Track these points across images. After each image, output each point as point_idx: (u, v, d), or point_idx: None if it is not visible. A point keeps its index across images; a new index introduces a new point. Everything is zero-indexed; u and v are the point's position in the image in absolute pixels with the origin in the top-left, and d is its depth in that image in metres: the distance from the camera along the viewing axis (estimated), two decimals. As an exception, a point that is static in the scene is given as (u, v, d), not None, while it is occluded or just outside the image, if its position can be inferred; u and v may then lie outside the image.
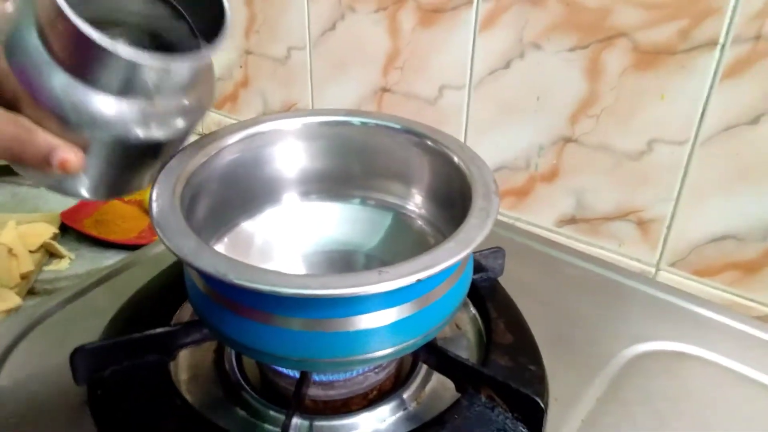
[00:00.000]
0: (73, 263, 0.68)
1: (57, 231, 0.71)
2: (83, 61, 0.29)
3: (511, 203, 0.65)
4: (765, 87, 0.47)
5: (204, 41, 0.35)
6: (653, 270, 0.57)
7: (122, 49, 0.29)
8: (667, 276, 0.56)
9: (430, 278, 0.30)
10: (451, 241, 0.30)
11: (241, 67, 0.84)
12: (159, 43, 0.37)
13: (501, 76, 0.61)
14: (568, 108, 0.58)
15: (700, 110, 0.51)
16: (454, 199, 0.36)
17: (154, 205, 0.32)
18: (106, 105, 0.30)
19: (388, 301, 0.31)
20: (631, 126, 0.55)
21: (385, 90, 0.70)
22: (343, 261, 0.41)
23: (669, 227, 0.56)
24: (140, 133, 0.31)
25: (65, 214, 0.72)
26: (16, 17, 0.30)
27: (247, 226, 0.40)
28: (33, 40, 0.29)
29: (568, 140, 0.59)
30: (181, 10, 0.36)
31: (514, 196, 0.65)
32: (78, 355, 0.34)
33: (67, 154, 0.29)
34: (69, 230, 0.72)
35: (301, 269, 0.40)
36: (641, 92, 0.53)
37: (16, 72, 0.30)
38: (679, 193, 0.54)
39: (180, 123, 0.33)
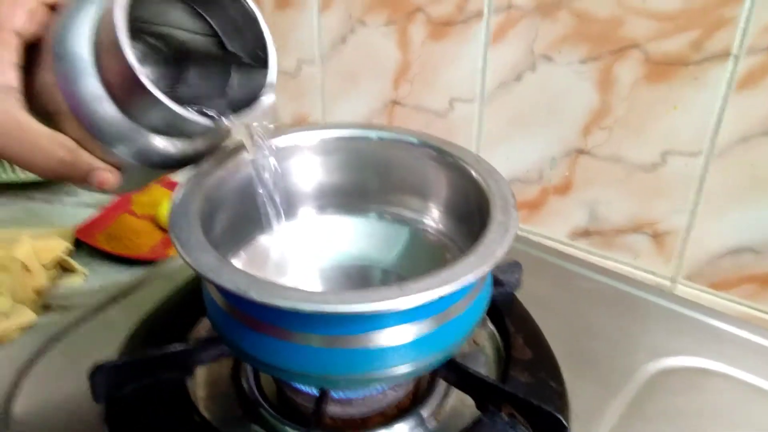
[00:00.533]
0: (87, 278, 0.68)
1: (71, 246, 0.71)
2: (135, 102, 0.30)
3: (524, 216, 0.65)
4: (780, 97, 0.47)
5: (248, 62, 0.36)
6: (669, 283, 0.57)
7: (177, 107, 0.30)
8: (683, 289, 0.56)
9: (450, 294, 0.30)
10: (472, 256, 0.30)
11: (251, 81, 0.85)
12: (190, 56, 0.37)
13: (512, 88, 0.61)
14: (581, 120, 0.58)
15: (714, 121, 0.51)
16: (471, 213, 0.36)
17: (174, 221, 0.32)
18: (148, 140, 0.32)
19: (408, 318, 0.31)
20: (644, 138, 0.55)
21: (395, 103, 0.71)
22: (359, 276, 0.40)
23: (684, 240, 0.56)
24: (175, 162, 0.34)
25: (81, 230, 0.72)
26: (71, 24, 0.30)
27: (264, 240, 0.40)
28: (87, 68, 0.30)
29: (580, 152, 0.59)
30: (221, 36, 0.36)
31: (526, 208, 0.64)
32: (97, 373, 0.34)
33: (106, 175, 0.31)
34: (82, 245, 0.72)
35: (317, 284, 0.40)
36: (654, 104, 0.53)
37: (65, 92, 0.30)
38: (695, 205, 0.54)
39: (211, 146, 0.35)
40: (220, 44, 0.37)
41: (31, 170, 0.31)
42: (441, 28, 0.63)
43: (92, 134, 0.31)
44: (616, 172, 0.57)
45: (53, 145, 0.30)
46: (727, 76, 0.49)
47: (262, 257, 0.39)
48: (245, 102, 0.34)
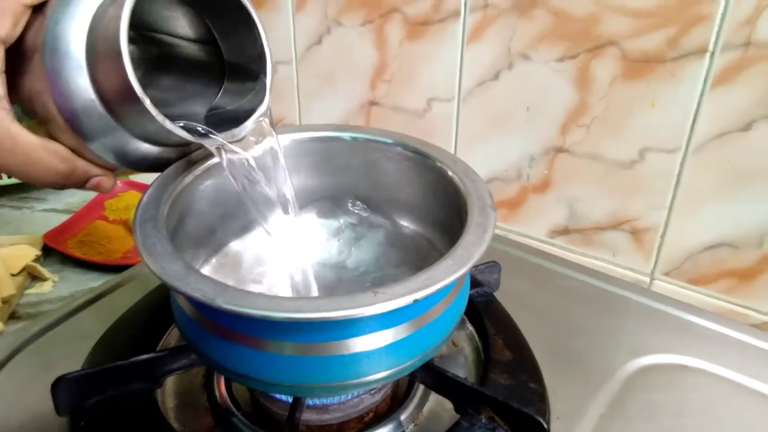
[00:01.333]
0: (57, 285, 0.66)
1: (39, 253, 0.69)
2: (126, 110, 0.30)
3: (504, 215, 0.64)
4: (756, 93, 0.47)
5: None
6: (648, 279, 0.57)
7: (169, 123, 0.30)
8: (661, 285, 0.56)
9: (427, 298, 0.29)
10: (449, 259, 0.29)
11: (226, 82, 0.83)
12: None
13: (490, 87, 0.60)
14: (559, 118, 0.57)
15: (692, 118, 0.51)
16: (448, 213, 0.35)
17: (138, 229, 0.31)
18: (132, 144, 0.32)
19: (383, 323, 0.30)
20: (622, 135, 0.55)
21: (373, 103, 0.70)
22: (334, 279, 0.40)
23: (663, 236, 0.56)
24: (152, 164, 0.34)
25: (48, 236, 0.70)
26: (63, 23, 0.29)
27: (236, 245, 0.39)
28: (79, 69, 0.29)
29: (559, 150, 0.59)
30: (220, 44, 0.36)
31: (506, 207, 0.64)
32: (60, 385, 0.33)
33: (101, 179, 0.32)
34: (52, 252, 0.70)
35: (291, 289, 0.39)
36: (631, 101, 0.53)
37: (55, 94, 0.29)
38: (673, 201, 0.54)
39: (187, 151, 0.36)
40: (213, 53, 0.36)
41: (30, 182, 0.31)
42: (418, 27, 0.63)
43: (80, 137, 0.31)
44: (594, 170, 0.57)
45: (48, 155, 0.30)
46: (703, 72, 0.49)
47: (234, 263, 0.38)
48: (233, 113, 0.34)
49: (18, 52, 0.29)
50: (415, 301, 0.27)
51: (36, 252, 0.69)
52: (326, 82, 0.73)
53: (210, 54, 0.36)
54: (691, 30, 0.48)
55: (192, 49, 0.36)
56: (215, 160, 0.37)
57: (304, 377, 0.30)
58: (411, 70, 0.65)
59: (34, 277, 0.67)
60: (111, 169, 0.33)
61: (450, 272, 0.28)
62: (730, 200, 0.51)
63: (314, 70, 0.73)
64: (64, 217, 0.75)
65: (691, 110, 0.50)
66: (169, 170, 0.35)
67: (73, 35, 0.29)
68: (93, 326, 0.42)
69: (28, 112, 0.31)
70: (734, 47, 0.47)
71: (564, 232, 0.61)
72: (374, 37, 0.66)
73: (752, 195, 0.50)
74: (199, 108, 0.36)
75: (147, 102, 0.29)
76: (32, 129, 0.30)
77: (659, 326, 0.43)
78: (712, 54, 0.48)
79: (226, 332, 0.30)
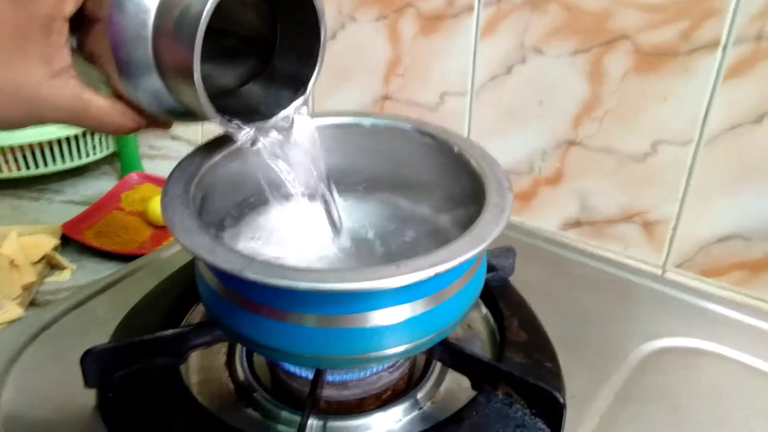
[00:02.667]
0: (75, 274, 0.68)
1: (58, 242, 0.70)
2: (177, 85, 0.31)
3: (516, 208, 0.65)
4: (768, 86, 0.48)
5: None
6: (659, 271, 0.57)
7: (211, 110, 0.31)
8: (673, 277, 0.56)
9: (445, 274, 0.30)
10: (468, 236, 0.30)
11: (241, 78, 0.85)
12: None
13: (503, 81, 0.61)
14: (571, 111, 0.58)
15: (704, 111, 0.51)
16: (465, 197, 0.36)
17: (167, 205, 0.32)
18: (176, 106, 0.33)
19: (403, 297, 0.31)
20: (634, 128, 0.55)
21: (386, 98, 0.71)
22: (358, 256, 0.40)
23: (675, 228, 0.56)
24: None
25: (66, 226, 0.72)
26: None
27: (260, 221, 0.39)
28: (144, 40, 0.30)
29: (571, 143, 0.59)
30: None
31: (518, 200, 0.65)
32: (88, 358, 0.34)
33: (163, 125, 0.34)
34: (70, 242, 0.71)
35: (315, 262, 0.39)
36: (644, 94, 0.54)
37: (116, 57, 0.30)
38: (684, 193, 0.54)
39: None
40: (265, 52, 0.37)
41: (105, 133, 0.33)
42: (431, 22, 0.64)
43: (139, 103, 0.32)
44: (606, 163, 0.58)
45: (117, 115, 0.32)
46: (716, 65, 0.49)
47: (259, 238, 0.39)
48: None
49: (84, 17, 0.30)
50: (436, 274, 0.28)
51: (55, 241, 0.70)
52: (340, 77, 0.74)
53: (260, 33, 0.37)
54: (704, 23, 0.49)
55: (247, 19, 0.37)
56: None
57: (325, 349, 0.31)
58: (424, 64, 0.66)
59: (53, 266, 0.68)
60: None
61: (470, 248, 0.29)
62: (742, 192, 0.51)
63: (328, 65, 0.74)
64: (81, 209, 0.77)
65: (703, 103, 0.51)
66: (195, 151, 0.36)
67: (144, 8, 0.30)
68: (110, 311, 0.43)
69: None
70: (747, 40, 0.47)
71: (576, 224, 0.62)
72: (388, 32, 0.67)
73: (764, 187, 0.50)
74: (231, 79, 0.36)
75: (203, 99, 0.30)
76: (101, 90, 0.31)
77: (673, 312, 0.43)
78: (725, 47, 0.48)
79: (251, 305, 0.31)
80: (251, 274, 0.27)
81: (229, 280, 0.31)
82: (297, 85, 0.36)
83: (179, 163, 0.35)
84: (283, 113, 0.35)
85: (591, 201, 0.60)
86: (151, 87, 0.31)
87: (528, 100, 0.60)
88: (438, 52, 0.64)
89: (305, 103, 0.36)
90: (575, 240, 0.61)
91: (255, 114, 0.34)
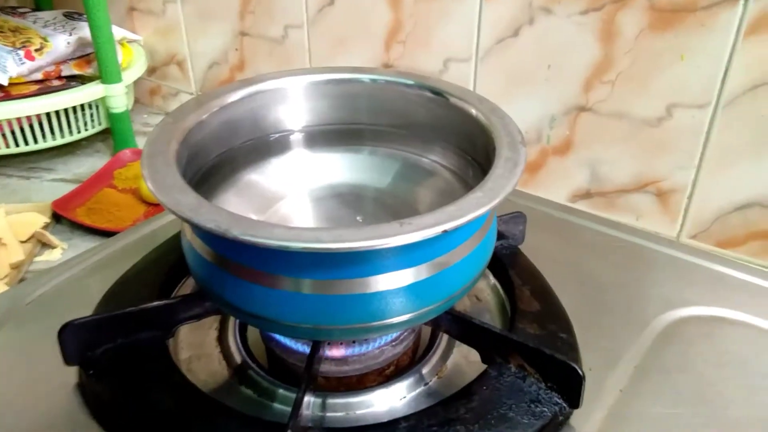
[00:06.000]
0: (66, 253, 0.65)
1: (48, 220, 0.68)
2: None
3: (523, 179, 0.62)
4: (792, 42, 0.45)
5: None
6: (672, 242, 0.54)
7: None
8: (689, 243, 0.53)
9: (453, 234, 0.27)
10: (478, 191, 0.27)
11: (236, 49, 0.81)
12: None
13: (510, 44, 0.58)
14: (582, 75, 0.55)
15: (723, 70, 0.48)
16: (476, 152, 0.33)
17: (147, 162, 0.29)
18: None
19: (406, 260, 0.28)
20: (648, 91, 0.52)
21: (387, 66, 0.68)
22: (353, 202, 0.37)
23: (690, 197, 0.53)
24: None
25: (57, 203, 0.69)
26: None
27: (252, 177, 0.37)
28: None
29: (581, 109, 0.56)
30: None
31: (525, 171, 0.61)
32: (67, 331, 0.31)
33: None
34: (62, 220, 0.69)
35: (309, 214, 0.37)
36: (659, 54, 0.51)
37: None
38: (701, 159, 0.52)
39: None
40: None
41: None
42: (434, -16, 0.60)
43: None
44: (618, 129, 0.55)
45: None
46: (736, 21, 0.46)
47: (250, 193, 0.36)
48: None
49: None
50: (444, 232, 0.25)
51: (45, 219, 0.68)
52: (339, 45, 0.71)
53: None
54: (725, -26, 0.45)
55: None
56: (229, 98, 0.35)
57: (323, 318, 0.28)
58: (427, 29, 0.63)
59: (44, 245, 0.66)
60: None
61: (480, 204, 0.26)
62: (762, 157, 0.49)
63: (327, 33, 0.71)
64: (72, 187, 0.74)
65: (722, 62, 0.48)
66: (180, 108, 0.33)
67: None
68: (101, 283, 0.40)
69: None
70: (771, -9, 0.44)
71: (586, 195, 0.59)
72: (388, -3, 0.64)
73: (787, 150, 0.48)
74: None
75: None
76: None
77: (691, 279, 0.41)
78: (746, 0, 0.45)
79: (241, 270, 0.28)
80: (239, 234, 0.25)
81: (216, 243, 0.29)
82: None
83: (163, 119, 0.32)
84: None
85: (602, 170, 0.57)
86: None
87: (536, 64, 0.57)
88: (441, 16, 0.61)
89: None
90: (584, 213, 0.58)
91: None
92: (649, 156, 0.54)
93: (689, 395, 0.32)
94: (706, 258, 0.43)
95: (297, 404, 0.29)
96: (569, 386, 0.30)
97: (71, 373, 0.33)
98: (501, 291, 0.40)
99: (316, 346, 0.32)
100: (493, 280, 0.41)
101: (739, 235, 0.52)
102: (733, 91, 0.48)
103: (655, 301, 0.38)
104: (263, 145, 0.36)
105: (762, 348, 0.35)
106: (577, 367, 0.29)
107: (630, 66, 0.52)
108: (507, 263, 0.39)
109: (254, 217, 0.32)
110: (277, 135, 0.36)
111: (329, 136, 0.38)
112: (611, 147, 0.56)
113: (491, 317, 0.38)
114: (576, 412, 0.31)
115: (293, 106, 0.38)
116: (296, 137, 0.38)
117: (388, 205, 0.37)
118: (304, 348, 0.34)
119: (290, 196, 0.37)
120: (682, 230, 0.55)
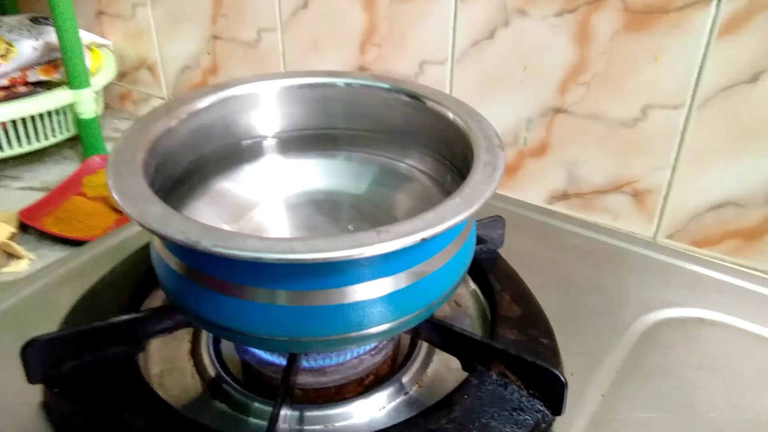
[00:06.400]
0: (34, 264, 0.63)
1: (15, 231, 0.66)
2: None
3: (500, 182, 0.62)
4: (764, 43, 0.45)
5: None
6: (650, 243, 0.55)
7: None
8: (667, 243, 0.54)
9: (432, 242, 0.26)
10: (456, 198, 0.27)
11: (209, 53, 0.80)
12: None
13: (485, 47, 0.58)
14: (557, 77, 0.55)
15: (697, 71, 0.49)
16: (454, 157, 0.33)
17: (112, 171, 0.28)
18: None
19: (385, 269, 0.27)
20: (623, 92, 0.52)
21: (363, 69, 0.67)
22: (331, 210, 0.36)
23: (666, 197, 0.54)
24: None
25: (24, 213, 0.67)
26: None
27: (225, 184, 0.36)
28: None
29: (557, 111, 0.56)
30: None
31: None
32: (30, 349, 0.30)
33: None
34: (29, 230, 0.67)
35: (285, 222, 0.36)
36: (633, 55, 0.51)
37: None
38: (676, 160, 0.52)
39: None
40: None
41: None
42: (408, -14, 0.60)
43: None
44: (594, 130, 0.55)
45: None
46: (709, 22, 0.47)
47: (223, 202, 0.35)
48: None
49: None
50: (423, 240, 0.25)
51: (11, 230, 0.66)
52: (313, 48, 0.70)
53: None
54: (697, -24, 0.46)
55: None
56: (198, 104, 0.34)
57: (299, 330, 0.27)
58: (402, 31, 0.62)
59: (10, 256, 0.64)
60: None
61: (459, 211, 0.26)
62: (737, 156, 0.49)
63: (301, 36, 0.70)
64: (40, 195, 0.72)
65: (696, 63, 0.48)
66: (147, 115, 0.32)
67: None
68: (68, 296, 0.39)
69: None
70: (742, -8, 0.45)
71: (563, 197, 0.59)
72: (363, -1, 0.63)
73: (759, 150, 0.48)
74: None
75: None
76: None
77: (669, 280, 0.41)
78: (719, 2, 0.46)
79: (213, 282, 0.27)
80: (209, 246, 0.24)
81: (186, 254, 0.28)
82: None
83: (130, 126, 0.31)
84: None
85: (579, 171, 0.57)
86: None
87: (512, 66, 0.57)
88: (416, 18, 0.61)
89: None
90: (561, 215, 0.58)
91: None
92: (625, 157, 0.54)
93: (670, 399, 0.32)
94: (683, 258, 0.43)
95: (273, 418, 0.28)
96: (552, 393, 0.29)
97: (35, 392, 0.32)
98: (481, 296, 0.39)
99: (293, 358, 0.31)
100: (473, 285, 0.40)
101: (715, 235, 0.52)
102: (707, 91, 0.49)
103: (634, 303, 0.38)
104: (236, 152, 0.35)
105: (740, 349, 0.35)
106: (559, 374, 0.28)
107: (605, 67, 0.53)
108: (486, 268, 0.39)
109: (227, 226, 0.31)
110: (250, 141, 0.35)
111: (303, 141, 0.37)
112: (588, 148, 0.56)
113: (471, 323, 0.38)
114: (558, 418, 0.30)
115: (266, 111, 0.37)
116: (270, 143, 0.37)
117: (365, 212, 0.36)
118: (280, 360, 0.33)
119: (264, 204, 0.36)
120: (658, 230, 0.55)
